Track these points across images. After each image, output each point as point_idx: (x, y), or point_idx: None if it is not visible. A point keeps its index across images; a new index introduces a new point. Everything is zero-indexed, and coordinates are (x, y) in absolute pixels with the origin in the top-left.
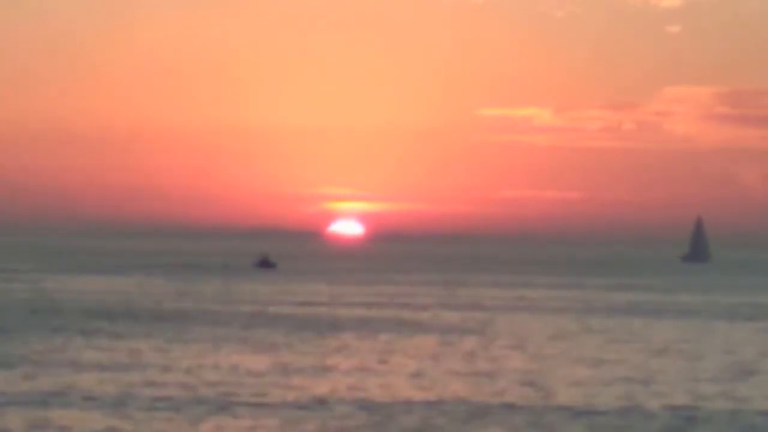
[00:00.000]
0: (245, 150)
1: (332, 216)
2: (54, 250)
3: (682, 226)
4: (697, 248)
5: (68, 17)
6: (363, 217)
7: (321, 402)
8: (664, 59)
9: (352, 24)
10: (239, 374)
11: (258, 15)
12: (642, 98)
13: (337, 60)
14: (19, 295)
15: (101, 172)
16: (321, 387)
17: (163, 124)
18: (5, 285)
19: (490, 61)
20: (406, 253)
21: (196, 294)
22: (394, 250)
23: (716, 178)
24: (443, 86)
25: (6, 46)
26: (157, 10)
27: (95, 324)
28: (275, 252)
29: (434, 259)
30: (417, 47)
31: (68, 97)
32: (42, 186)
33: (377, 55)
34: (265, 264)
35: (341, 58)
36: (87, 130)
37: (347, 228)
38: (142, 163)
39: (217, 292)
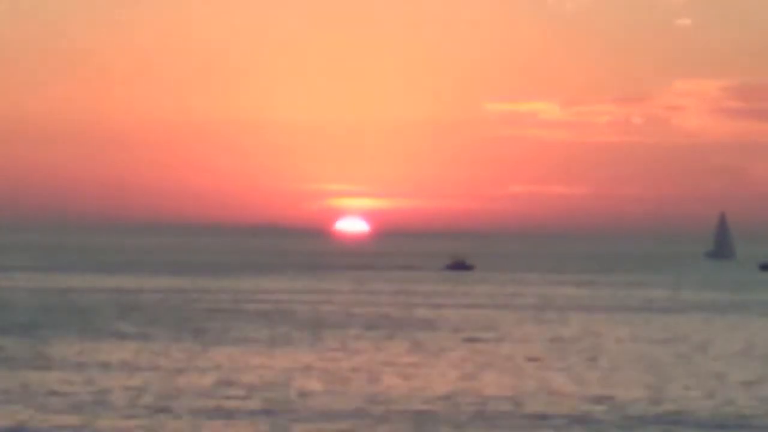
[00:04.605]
0: (246, 145)
1: (336, 213)
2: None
3: (692, 220)
4: (722, 244)
5: (63, 13)
6: (368, 214)
7: None
8: (674, 52)
9: (358, 17)
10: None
11: (261, 6)
12: (651, 92)
13: (341, 54)
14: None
15: (98, 169)
16: None
17: (163, 119)
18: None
19: (497, 55)
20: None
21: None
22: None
23: (726, 172)
24: (450, 80)
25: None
26: (154, 4)
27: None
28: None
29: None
30: (423, 41)
31: (65, 93)
32: (38, 183)
33: (382, 48)
34: (460, 266)
35: (345, 52)
36: (84, 127)
37: (352, 225)
38: (141, 159)
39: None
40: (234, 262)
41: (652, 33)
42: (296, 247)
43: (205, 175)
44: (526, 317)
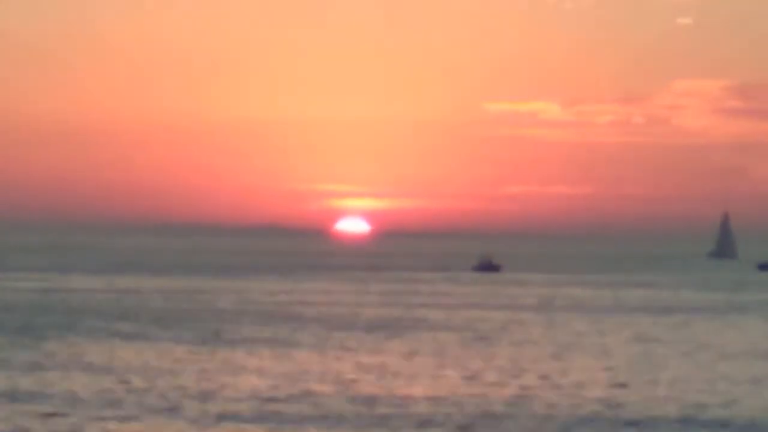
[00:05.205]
0: (246, 145)
1: (337, 213)
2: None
3: (694, 220)
4: (724, 244)
5: (64, 15)
6: (368, 215)
7: None
8: (675, 52)
9: (358, 17)
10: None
11: (261, 6)
12: (652, 91)
13: (341, 54)
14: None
15: (98, 169)
16: None
17: (163, 120)
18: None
19: (497, 55)
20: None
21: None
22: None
23: (728, 172)
24: (450, 80)
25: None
26: (155, 6)
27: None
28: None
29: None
30: (423, 39)
31: (64, 93)
32: (38, 183)
33: (382, 49)
34: (488, 267)
35: (345, 52)
36: (84, 127)
37: (353, 225)
38: (141, 159)
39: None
40: (235, 263)
41: (653, 32)
42: (298, 248)
43: (206, 176)
44: (530, 318)
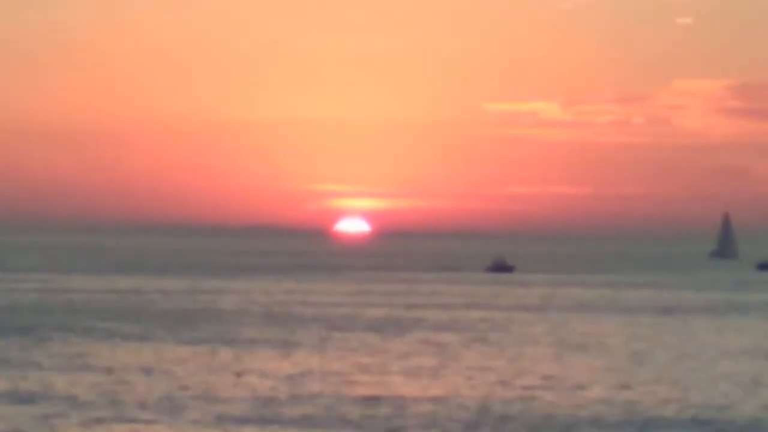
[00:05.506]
0: (245, 146)
1: (336, 213)
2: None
3: (695, 220)
4: (725, 244)
5: (64, 15)
6: (368, 215)
7: None
8: (675, 51)
9: (358, 17)
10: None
11: (261, 6)
12: (652, 91)
13: (340, 54)
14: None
15: (98, 169)
16: None
17: (163, 120)
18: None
19: (497, 55)
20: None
21: None
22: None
23: (729, 172)
24: (450, 80)
25: None
26: (154, 5)
27: None
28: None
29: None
30: (423, 39)
31: (64, 93)
32: (38, 183)
33: (382, 49)
34: (502, 267)
35: (344, 53)
36: (84, 127)
37: (353, 225)
38: (140, 160)
39: None
40: (235, 263)
41: (653, 32)
42: (298, 248)
43: (205, 176)
44: (530, 317)
